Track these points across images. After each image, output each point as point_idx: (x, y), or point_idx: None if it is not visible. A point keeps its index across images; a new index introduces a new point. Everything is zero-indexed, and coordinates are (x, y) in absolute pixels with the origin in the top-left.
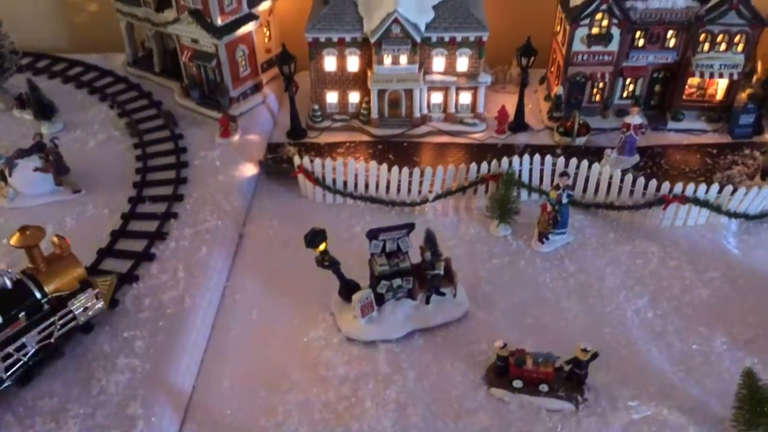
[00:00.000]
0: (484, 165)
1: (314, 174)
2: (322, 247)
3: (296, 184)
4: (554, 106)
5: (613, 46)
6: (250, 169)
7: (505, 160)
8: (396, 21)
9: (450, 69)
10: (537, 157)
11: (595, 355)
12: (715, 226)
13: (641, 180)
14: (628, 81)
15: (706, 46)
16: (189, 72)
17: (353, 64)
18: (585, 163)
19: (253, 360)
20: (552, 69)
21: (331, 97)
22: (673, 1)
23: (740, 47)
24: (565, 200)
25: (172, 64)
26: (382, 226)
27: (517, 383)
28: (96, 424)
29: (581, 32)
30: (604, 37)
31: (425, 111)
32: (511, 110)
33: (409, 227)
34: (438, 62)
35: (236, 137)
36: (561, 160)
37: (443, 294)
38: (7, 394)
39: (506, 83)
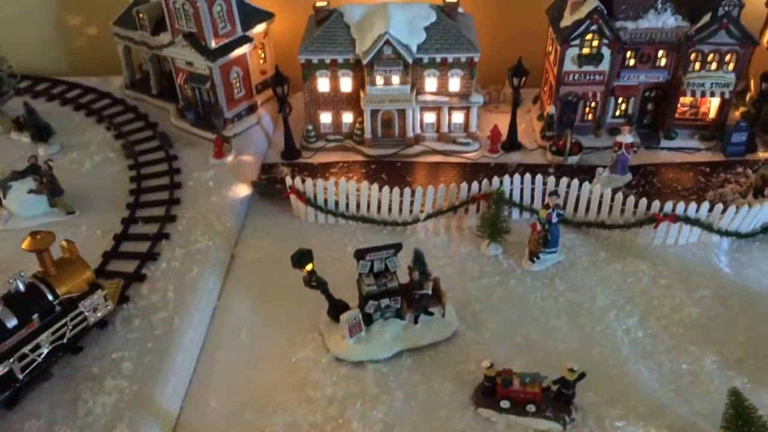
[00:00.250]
0: (475, 184)
1: (306, 194)
2: (308, 267)
3: (289, 204)
4: (547, 126)
5: (604, 66)
6: (243, 190)
7: (495, 180)
8: (387, 42)
9: (442, 89)
10: (528, 176)
11: (582, 375)
12: (706, 244)
13: (632, 198)
14: (620, 100)
15: (697, 66)
16: (184, 94)
17: (346, 85)
18: (576, 181)
19: (240, 380)
20: (545, 89)
21: (325, 117)
22: (663, 21)
23: (731, 66)
24: (555, 219)
25: (169, 87)
26: (372, 246)
27: (505, 403)
28: None
29: (572, 52)
30: (595, 57)
31: (418, 131)
32: (504, 130)
33: (397, 247)
34: (430, 83)
35: (230, 158)
36: (552, 179)
37: (432, 314)
38: None
39: (500, 103)
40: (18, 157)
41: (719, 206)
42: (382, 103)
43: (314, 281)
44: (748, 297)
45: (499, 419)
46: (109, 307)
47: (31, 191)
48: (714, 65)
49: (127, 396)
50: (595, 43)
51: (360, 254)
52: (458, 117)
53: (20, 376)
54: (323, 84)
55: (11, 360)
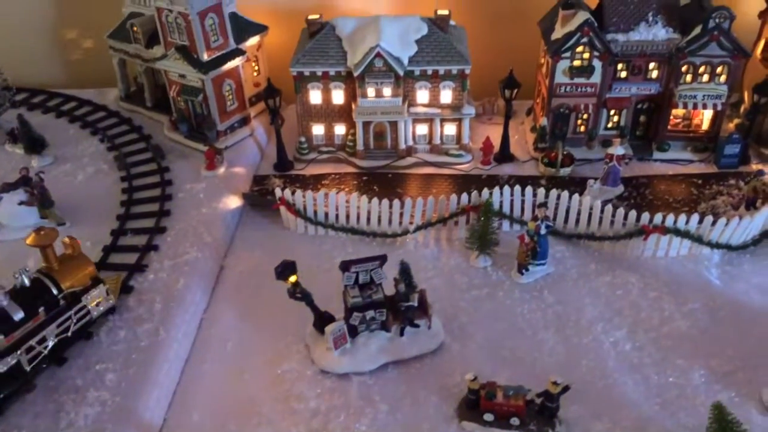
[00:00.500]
0: (465, 195)
1: (295, 206)
2: (292, 279)
3: (280, 216)
4: (539, 137)
5: (596, 78)
6: (234, 202)
7: (485, 191)
8: (378, 55)
9: (434, 101)
10: (518, 187)
11: (566, 388)
12: (697, 256)
13: (621, 210)
14: (612, 112)
15: (689, 78)
16: (177, 106)
17: (338, 97)
18: (565, 193)
19: (225, 392)
20: (538, 100)
21: (318, 129)
22: (654, 34)
23: (723, 78)
24: (543, 231)
25: (163, 99)
26: (360, 257)
27: (488, 416)
28: None
29: (563, 64)
30: (586, 70)
31: (410, 143)
32: (497, 141)
33: (382, 259)
34: (422, 95)
35: (222, 170)
36: (541, 190)
37: (417, 326)
38: None
39: (493, 114)
40: (11, 168)
41: (709, 218)
42: (373, 115)
43: (298, 293)
44: (737, 310)
45: None
46: (111, 302)
47: (21, 203)
48: (706, 77)
49: (110, 408)
50: (586, 55)
51: (345, 266)
52: (450, 129)
53: (27, 368)
54: (315, 96)
55: (19, 352)
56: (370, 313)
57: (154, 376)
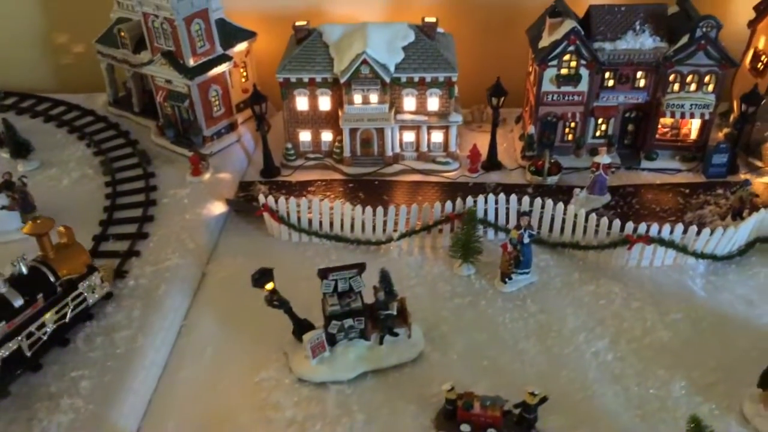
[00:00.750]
0: (449, 203)
1: (279, 213)
2: (269, 286)
3: (265, 222)
4: (527, 146)
5: (583, 87)
6: (218, 208)
7: (469, 199)
8: (365, 62)
9: (421, 108)
10: (502, 195)
11: (543, 399)
12: (682, 266)
13: (605, 220)
14: (600, 121)
15: (676, 87)
16: (164, 111)
17: (325, 103)
18: (550, 202)
19: (201, 401)
20: (526, 108)
21: (304, 136)
22: (641, 42)
23: (711, 87)
24: (526, 240)
25: (151, 104)
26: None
27: (465, 427)
28: None
29: (550, 73)
30: (573, 78)
31: (397, 150)
32: (484, 149)
33: (360, 267)
34: (409, 102)
35: (207, 176)
36: (526, 198)
37: (397, 334)
38: None
39: (482, 122)
40: None
41: (693, 228)
42: (360, 122)
43: (276, 301)
44: (720, 321)
45: None
46: (105, 288)
47: (3, 207)
48: (693, 86)
49: (83, 415)
50: (573, 63)
51: (323, 273)
52: (437, 136)
53: (28, 354)
54: (302, 103)
55: (20, 338)
56: (348, 322)
57: (130, 384)
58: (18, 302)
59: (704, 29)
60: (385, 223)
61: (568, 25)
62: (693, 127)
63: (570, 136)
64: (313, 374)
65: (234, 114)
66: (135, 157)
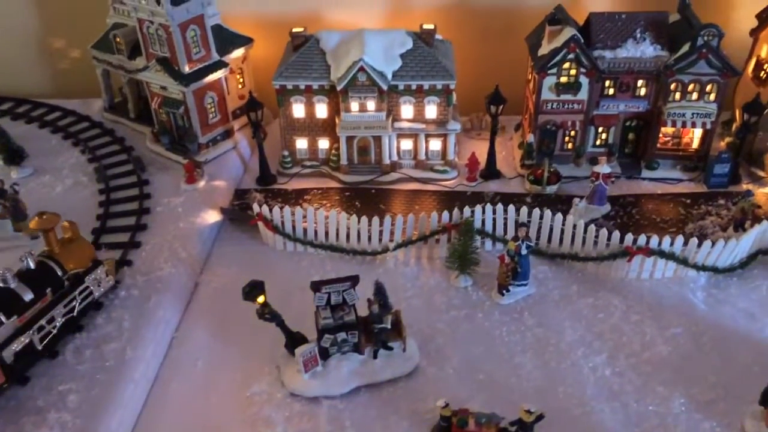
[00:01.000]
0: (446, 213)
1: (273, 222)
2: (260, 299)
3: (260, 231)
4: (526, 154)
5: (583, 95)
6: (212, 216)
7: (467, 209)
8: (362, 69)
9: (419, 116)
10: (500, 205)
11: (540, 417)
12: (682, 279)
13: (604, 231)
14: (600, 129)
15: (678, 95)
16: (159, 118)
17: (322, 111)
18: (548, 212)
19: (191, 415)
20: (526, 116)
21: (301, 143)
22: (642, 51)
23: (712, 96)
24: (524, 251)
25: (146, 110)
26: (339, 275)
27: None
28: None
29: (549, 81)
30: (573, 86)
31: (395, 158)
32: (483, 158)
33: (354, 280)
34: (406, 110)
35: (202, 183)
36: (524, 209)
37: (391, 348)
38: None
39: (481, 130)
40: None
41: (694, 240)
42: (357, 130)
43: (267, 314)
44: (721, 335)
45: None
46: (110, 282)
47: None
48: (695, 95)
49: (70, 430)
50: (573, 71)
51: (316, 286)
52: (435, 144)
53: (39, 347)
54: (298, 110)
55: (31, 331)
56: (341, 335)
57: (119, 398)
58: (28, 296)
59: (706, 38)
60: (381, 233)
61: (568, 32)
62: (694, 136)
63: (570, 145)
64: (306, 389)
65: (230, 121)
66: (130, 164)
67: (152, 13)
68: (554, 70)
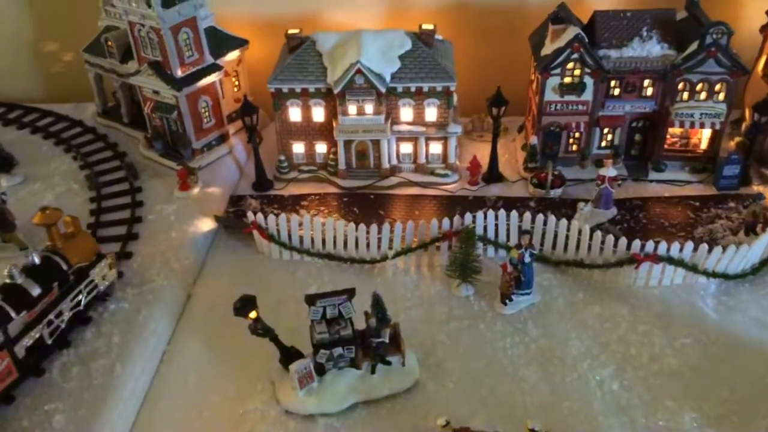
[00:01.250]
0: (446, 220)
1: (268, 230)
2: (253, 314)
3: (254, 239)
4: (529, 156)
5: (587, 96)
6: (206, 224)
7: (468, 216)
8: (359, 71)
9: (418, 119)
10: (502, 211)
11: None
12: (692, 286)
13: (611, 237)
14: (605, 131)
15: (686, 95)
16: (152, 123)
17: (318, 114)
18: (552, 218)
19: None
20: (529, 117)
21: (298, 147)
22: (648, 50)
23: (721, 96)
24: (527, 260)
25: (140, 115)
26: (336, 284)
27: None
28: None
29: (553, 81)
30: (577, 87)
31: (395, 161)
32: (485, 160)
33: (350, 293)
34: (405, 112)
35: (196, 190)
36: (528, 215)
37: (389, 363)
38: None
39: (483, 131)
40: None
41: (704, 246)
42: (355, 134)
43: (260, 329)
44: (733, 346)
45: None
46: (113, 275)
47: None
48: (703, 95)
49: None
50: (577, 72)
51: (311, 300)
52: (436, 147)
53: (49, 342)
54: (295, 113)
55: (41, 326)
56: (337, 350)
57: (106, 417)
58: (36, 291)
59: (715, 36)
60: (379, 240)
61: (572, 31)
62: (703, 137)
63: (574, 147)
64: (301, 406)
65: (225, 125)
66: (122, 170)
67: (143, 16)
68: (558, 71)
